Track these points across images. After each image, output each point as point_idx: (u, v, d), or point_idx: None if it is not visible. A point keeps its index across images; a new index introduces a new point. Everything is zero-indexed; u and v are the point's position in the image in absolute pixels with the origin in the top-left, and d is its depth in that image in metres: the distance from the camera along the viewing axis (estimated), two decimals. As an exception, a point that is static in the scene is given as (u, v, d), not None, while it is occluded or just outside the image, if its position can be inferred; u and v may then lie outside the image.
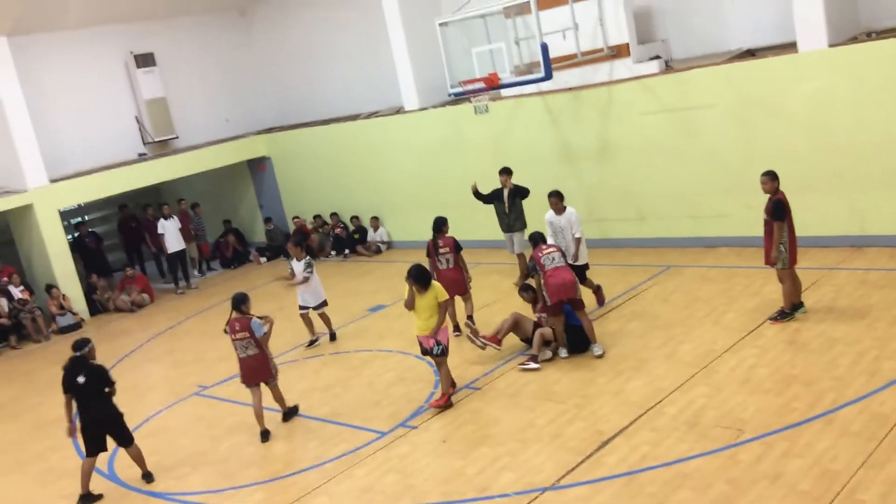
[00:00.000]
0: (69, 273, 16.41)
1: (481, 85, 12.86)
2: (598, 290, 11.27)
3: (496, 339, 10.13)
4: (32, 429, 10.95)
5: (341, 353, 11.66)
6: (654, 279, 12.06)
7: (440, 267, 11.12)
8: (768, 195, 9.43)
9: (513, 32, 13.45)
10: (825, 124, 11.45)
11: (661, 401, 8.31)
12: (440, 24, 13.31)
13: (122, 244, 18.96)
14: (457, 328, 11.32)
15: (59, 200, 16.62)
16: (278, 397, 9.55)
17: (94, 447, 8.55)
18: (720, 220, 12.77)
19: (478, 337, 10.18)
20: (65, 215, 18.20)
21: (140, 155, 18.32)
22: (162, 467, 9.13)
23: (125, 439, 8.72)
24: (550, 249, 9.67)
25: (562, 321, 9.70)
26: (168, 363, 13.19)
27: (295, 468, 8.50)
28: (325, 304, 12.04)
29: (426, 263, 11.30)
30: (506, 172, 12.64)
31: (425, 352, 9.17)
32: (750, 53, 12.59)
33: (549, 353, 9.81)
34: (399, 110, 16.74)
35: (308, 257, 11.93)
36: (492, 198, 12.76)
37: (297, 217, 18.93)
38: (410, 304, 9.01)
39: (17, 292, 15.77)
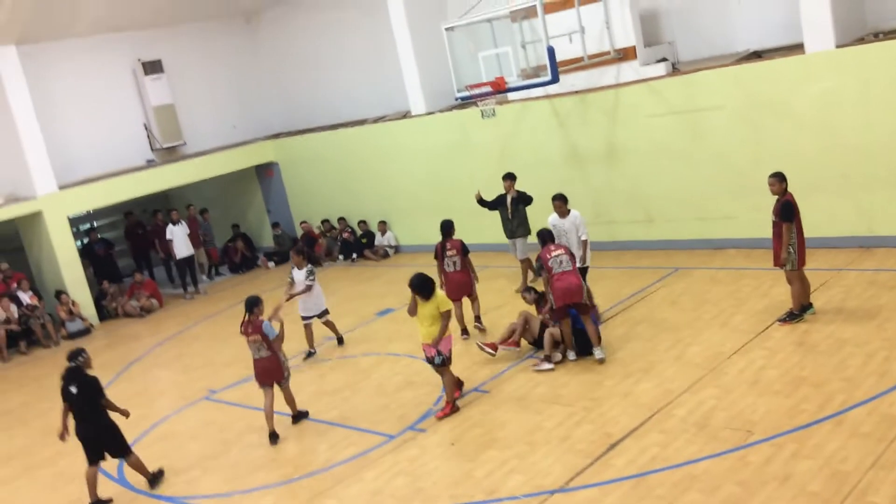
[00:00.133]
0: (78, 279, 16.48)
1: (488, 89, 12.87)
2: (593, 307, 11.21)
3: (514, 342, 10.23)
4: (41, 434, 10.99)
5: (349, 357, 11.67)
6: (663, 281, 12.04)
7: (448, 269, 11.20)
8: (776, 197, 9.41)
9: (519, 36, 13.47)
10: (833, 125, 11.43)
11: (669, 403, 8.29)
12: (446, 29, 13.33)
13: (130, 251, 19.05)
14: (465, 331, 11.34)
15: (68, 207, 16.70)
16: (289, 399, 9.59)
17: (94, 456, 8.55)
18: (728, 221, 12.75)
19: (486, 346, 10.30)
20: (74, 222, 18.28)
21: (148, 161, 18.40)
22: (172, 471, 9.16)
23: (121, 451, 8.65)
24: (558, 252, 9.63)
25: (569, 324, 9.69)
26: (177, 368, 13.23)
27: (304, 471, 8.51)
28: (326, 312, 11.96)
29: (434, 266, 11.40)
30: (509, 178, 12.66)
31: (428, 360, 9.16)
32: (757, 55, 12.58)
33: (558, 356, 9.81)
34: (406, 115, 16.78)
35: (310, 265, 11.83)
36: (496, 204, 12.79)
37: (304, 222, 18.98)
38: (413, 311, 9.02)
39: (26, 298, 15.86)
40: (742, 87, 12.08)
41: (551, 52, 12.24)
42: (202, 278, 18.55)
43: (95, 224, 19.95)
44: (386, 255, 17.45)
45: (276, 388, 9.50)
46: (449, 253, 11.17)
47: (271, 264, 18.85)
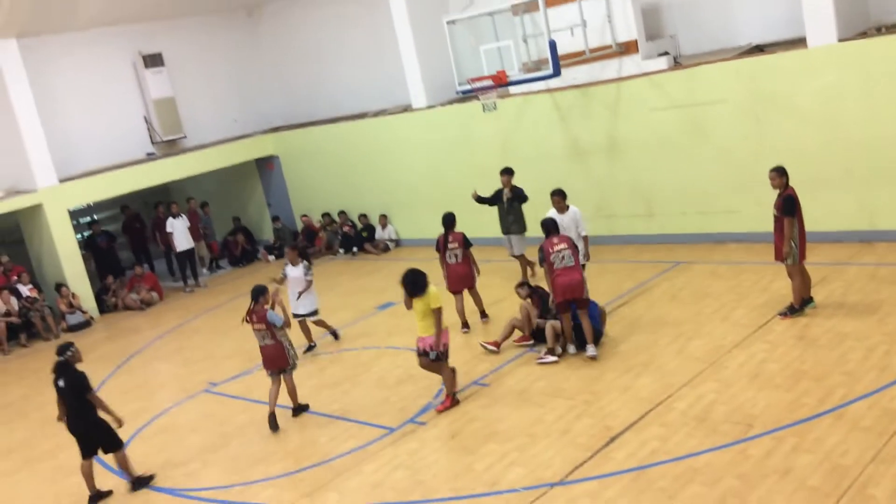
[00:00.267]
0: (79, 272, 16.48)
1: (489, 82, 12.84)
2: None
3: (526, 337, 10.30)
4: (41, 427, 10.99)
5: (350, 350, 11.68)
6: (663, 275, 12.04)
7: (449, 262, 11.24)
8: (778, 191, 9.40)
9: (521, 30, 13.44)
10: (835, 119, 11.40)
11: (670, 396, 8.29)
12: (448, 22, 13.30)
13: (129, 244, 19.05)
14: (465, 324, 11.35)
15: (69, 200, 16.69)
16: (291, 390, 9.62)
17: (86, 450, 8.52)
18: (729, 215, 12.73)
19: (489, 345, 10.34)
20: (74, 215, 18.27)
21: (149, 154, 18.38)
22: (172, 463, 9.17)
23: (112, 446, 8.58)
24: (561, 246, 9.52)
25: (569, 318, 9.68)
26: (178, 361, 13.24)
27: (304, 464, 8.51)
28: (316, 312, 11.75)
29: (435, 259, 11.41)
30: (507, 173, 12.66)
31: (419, 352, 9.12)
32: (759, 49, 12.55)
33: (558, 349, 9.81)
34: (407, 108, 16.75)
35: (305, 261, 11.71)
36: (494, 199, 12.79)
37: (305, 215, 18.97)
38: (409, 305, 9.02)
39: (25, 291, 15.86)
40: (744, 81, 12.05)
41: (553, 45, 12.21)
42: (202, 271, 18.55)
43: (96, 217, 19.93)
44: (386, 249, 17.44)
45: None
46: (451, 245, 11.20)
47: (272, 258, 18.84)
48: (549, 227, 9.84)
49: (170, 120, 18.51)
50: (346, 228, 17.98)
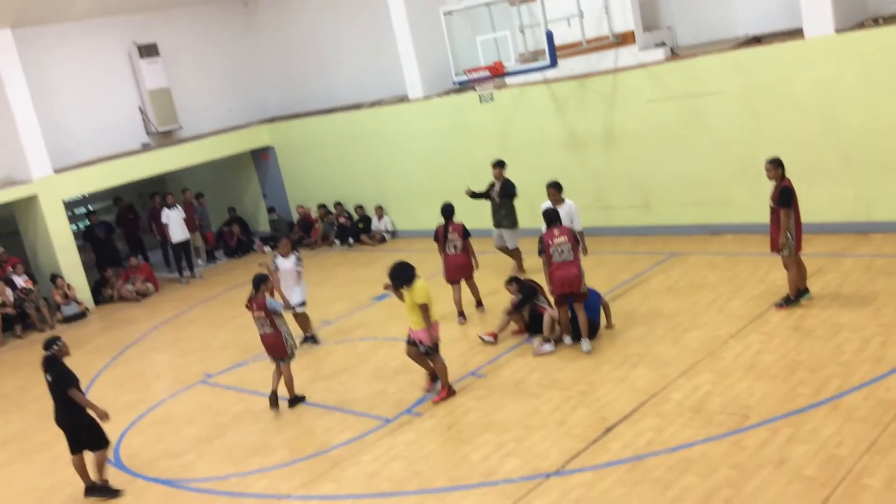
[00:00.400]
0: (74, 263, 16.44)
1: (486, 73, 12.81)
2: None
3: (523, 330, 10.32)
4: (38, 418, 10.97)
5: (347, 342, 11.67)
6: (660, 266, 12.05)
7: (448, 252, 11.28)
8: (774, 182, 9.40)
9: (517, 20, 13.39)
10: (832, 110, 11.40)
11: (665, 387, 8.30)
12: (444, 13, 13.25)
13: (123, 236, 19.01)
14: (461, 314, 11.37)
15: (64, 191, 16.63)
16: (288, 380, 9.65)
17: (73, 445, 8.44)
18: (726, 207, 12.74)
19: (487, 336, 10.37)
20: (69, 206, 18.22)
21: (144, 145, 18.32)
22: (168, 454, 9.18)
23: (94, 444, 8.43)
24: (561, 239, 9.45)
25: (566, 311, 9.68)
26: (174, 352, 13.23)
27: (301, 455, 8.52)
28: (304, 304, 11.57)
29: (433, 250, 11.41)
30: (499, 166, 12.67)
31: (409, 341, 9.12)
32: (756, 40, 12.53)
33: (554, 337, 9.84)
34: (403, 99, 16.71)
35: (296, 252, 11.63)
36: (488, 194, 12.79)
37: (301, 206, 18.95)
38: (400, 297, 9.03)
39: (20, 281, 15.83)
40: (741, 73, 12.04)
41: (550, 36, 12.18)
42: (198, 262, 18.52)
43: (90, 208, 19.89)
44: (383, 240, 17.43)
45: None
46: (451, 236, 11.25)
47: (267, 248, 18.79)
48: (551, 217, 9.76)
49: (165, 110, 18.44)
50: (342, 219, 17.96)
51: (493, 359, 9.90)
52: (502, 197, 12.57)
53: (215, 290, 16.27)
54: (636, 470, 6.95)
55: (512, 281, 10.53)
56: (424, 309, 8.79)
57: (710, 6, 13.34)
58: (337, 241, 17.89)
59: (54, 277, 15.99)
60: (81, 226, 19.73)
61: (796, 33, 11.77)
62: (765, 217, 9.63)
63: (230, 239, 19.30)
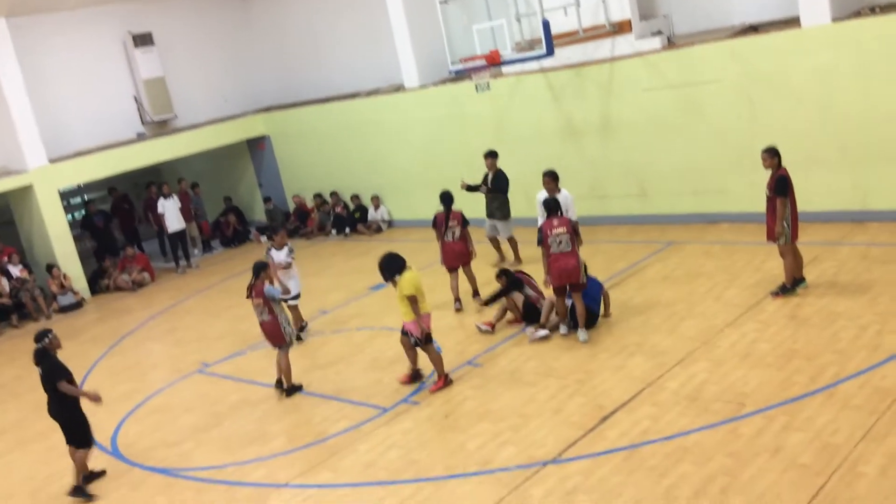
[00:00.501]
0: (70, 253, 16.41)
1: (482, 62, 12.78)
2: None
3: (518, 320, 10.33)
4: (34, 408, 10.94)
5: (343, 331, 11.68)
6: (656, 255, 12.06)
7: (447, 239, 11.33)
8: (770, 171, 9.40)
9: (514, 9, 13.32)
10: (829, 99, 11.40)
11: (662, 375, 8.32)
12: (441, 2, 13.20)
13: (118, 226, 18.98)
14: (457, 300, 11.43)
15: (59, 181, 16.58)
16: (286, 368, 9.68)
17: (67, 436, 8.42)
18: (722, 195, 12.74)
19: (484, 325, 10.39)
20: (64, 196, 18.17)
21: (139, 135, 18.26)
22: (165, 444, 9.18)
23: (75, 440, 8.36)
24: (560, 230, 9.38)
25: (563, 300, 9.67)
26: (170, 341, 13.23)
27: (298, 444, 8.53)
28: (298, 296, 11.50)
29: (429, 239, 11.41)
30: (491, 156, 12.67)
31: (404, 331, 9.15)
32: (753, 29, 12.51)
33: (547, 330, 9.87)
34: (399, 88, 16.66)
35: (289, 243, 11.48)
36: (481, 185, 12.78)
37: (297, 196, 18.91)
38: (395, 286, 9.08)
39: (15, 271, 15.80)
40: (738, 61, 12.02)
41: (546, 25, 12.15)
42: (194, 252, 18.49)
43: (86, 197, 19.84)
44: (379, 230, 17.41)
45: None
46: (450, 223, 11.31)
47: (263, 238, 18.78)
48: (551, 206, 9.69)
49: (160, 100, 18.38)
50: (338, 209, 17.93)
51: (489, 348, 9.92)
52: (494, 189, 12.56)
53: (211, 280, 16.26)
54: (632, 458, 6.97)
55: (501, 273, 10.57)
56: (412, 301, 8.80)
57: (707, -5, 13.32)
58: (333, 231, 17.87)
59: (50, 267, 15.96)
60: (77, 215, 19.70)
61: (793, 22, 11.75)
62: (761, 206, 9.63)
63: (226, 228, 19.27)
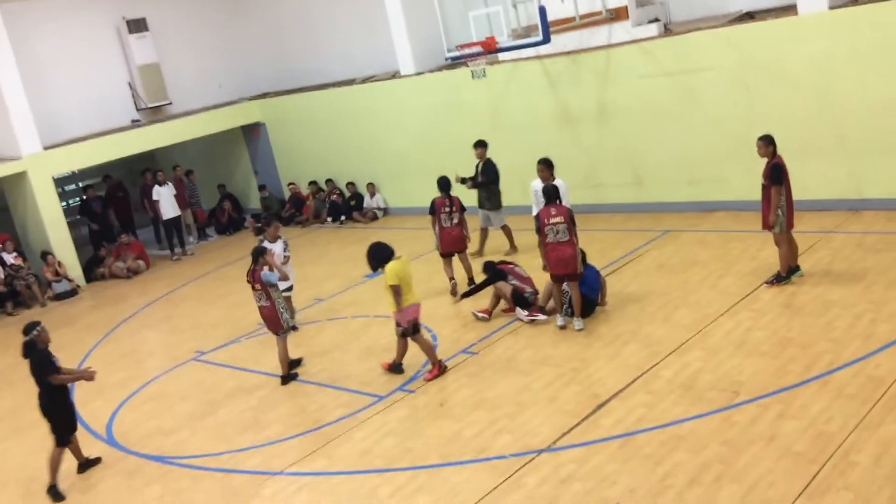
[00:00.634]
0: (64, 240, 16.36)
1: (478, 49, 12.71)
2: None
3: (512, 309, 10.31)
4: (29, 396, 10.80)
5: (339, 319, 11.68)
6: (652, 244, 12.05)
7: (444, 225, 11.38)
8: (765, 159, 9.39)
9: (510, -5, 13.28)
10: (825, 87, 11.38)
11: (657, 364, 8.34)
12: (436, -12, 13.14)
13: (113, 213, 18.93)
14: (452, 279, 11.55)
15: (54, 167, 16.52)
16: (282, 355, 9.71)
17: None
18: (718, 184, 12.73)
19: (480, 313, 10.40)
20: (59, 183, 18.10)
21: (133, 121, 18.19)
22: (161, 431, 9.19)
23: (56, 438, 8.28)
24: (557, 219, 9.32)
25: (560, 289, 9.65)
26: (165, 329, 13.21)
27: (293, 432, 8.54)
28: (291, 288, 11.31)
29: (424, 227, 11.40)
30: (480, 145, 12.65)
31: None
32: (749, 16, 12.47)
33: (544, 316, 9.88)
34: (395, 75, 16.59)
35: (282, 236, 11.34)
36: (475, 177, 12.78)
37: (292, 183, 18.86)
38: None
39: (9, 258, 15.75)
40: (734, 49, 11.99)
41: (543, 11, 12.09)
42: (189, 239, 18.45)
43: (80, 184, 19.75)
44: (375, 218, 17.38)
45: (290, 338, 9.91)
46: (448, 209, 11.37)
47: (255, 233, 18.73)
48: (550, 193, 9.59)
49: (154, 86, 18.30)
50: (333, 197, 17.89)
51: (485, 336, 9.92)
52: (482, 182, 12.51)
53: (207, 268, 16.23)
54: (627, 446, 7.00)
55: (486, 268, 10.63)
56: (395, 291, 8.80)
57: (704, -18, 13.26)
58: (329, 219, 17.84)
59: (45, 254, 15.92)
60: (72, 202, 19.62)
61: (790, 9, 11.71)
62: (757, 195, 9.62)
63: (221, 216, 19.22)
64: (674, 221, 12.81)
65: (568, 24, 13.05)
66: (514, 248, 12.72)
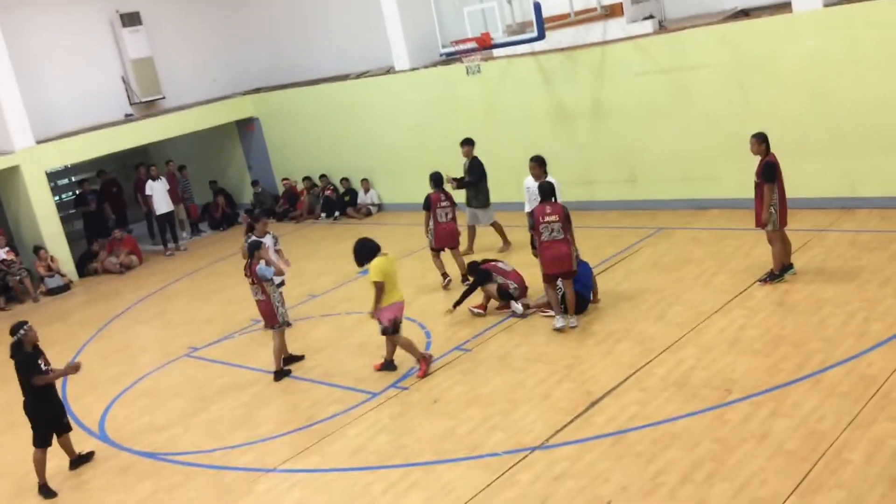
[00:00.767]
0: (57, 234, 16.31)
1: (473, 45, 12.70)
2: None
3: (506, 306, 10.34)
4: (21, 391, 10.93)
5: (332, 315, 11.66)
6: (646, 241, 12.06)
7: (440, 220, 11.42)
8: (758, 157, 9.40)
9: (505, -9, 13.25)
10: (820, 85, 11.39)
11: (650, 361, 8.35)
12: (431, -17, 13.11)
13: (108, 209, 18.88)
14: (445, 275, 11.61)
15: (46, 161, 16.44)
16: (277, 350, 9.70)
17: (55, 428, 8.38)
18: (713, 181, 12.74)
19: (476, 308, 10.43)
20: (52, 177, 18.03)
21: (127, 115, 18.12)
22: (153, 427, 9.17)
23: (34, 438, 8.25)
24: (552, 217, 9.28)
25: (555, 288, 9.62)
26: (158, 325, 13.18)
27: (286, 429, 8.53)
28: (282, 284, 11.07)
29: (415, 225, 11.41)
30: (467, 143, 12.64)
31: None
32: (744, 13, 12.48)
33: (520, 307, 10.03)
34: (390, 70, 16.56)
35: (271, 231, 11.29)
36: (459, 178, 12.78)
37: (286, 178, 18.82)
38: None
39: (2, 253, 15.68)
40: (729, 46, 11.99)
41: (537, 7, 12.08)
42: (182, 235, 18.40)
43: (74, 178, 19.70)
44: (369, 214, 17.36)
45: (287, 332, 9.95)
46: (444, 203, 11.44)
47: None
48: (546, 191, 9.52)
49: (148, 80, 18.23)
50: (327, 192, 17.86)
51: (478, 333, 9.92)
52: (467, 183, 12.49)
53: (200, 263, 16.19)
54: (620, 444, 7.01)
55: (468, 270, 10.67)
56: (378, 288, 8.80)
57: (699, -22, 13.25)
58: (323, 215, 17.80)
59: (37, 249, 15.85)
60: (65, 197, 19.55)
61: (784, 7, 11.71)
62: (751, 192, 9.62)
63: (215, 211, 19.17)
64: (668, 219, 12.82)
65: (563, 21, 13.04)
66: (507, 243, 12.72)
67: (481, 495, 6.70)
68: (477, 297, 10.77)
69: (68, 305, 15.02)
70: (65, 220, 17.06)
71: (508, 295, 10.20)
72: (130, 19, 17.90)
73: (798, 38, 11.39)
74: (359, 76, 17.24)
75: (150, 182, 17.07)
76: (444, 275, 11.60)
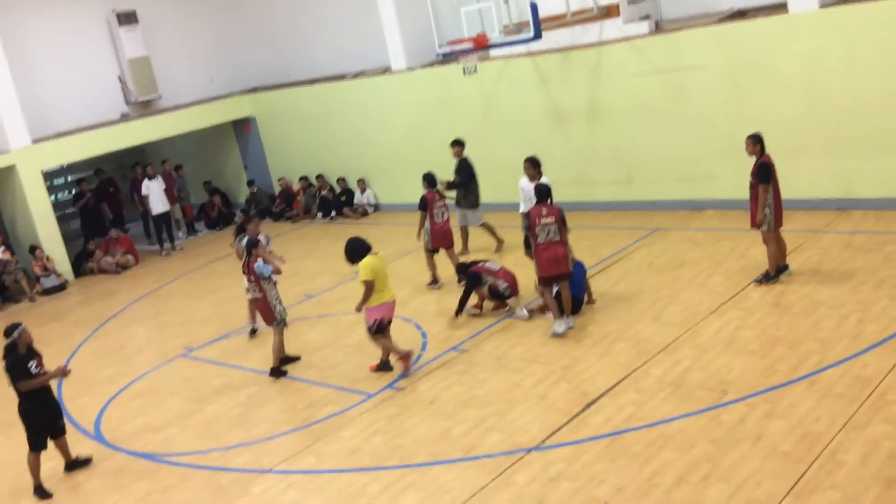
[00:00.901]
0: (53, 234, 16.28)
1: (470, 45, 12.70)
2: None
3: (503, 304, 10.39)
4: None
5: (329, 316, 11.66)
6: (641, 242, 12.08)
7: (437, 220, 11.46)
8: (754, 158, 9.42)
9: (502, -9, 13.25)
10: (816, 86, 11.41)
11: (646, 362, 8.36)
12: (428, -17, 13.10)
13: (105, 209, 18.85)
14: (436, 279, 11.66)
15: (42, 161, 16.41)
16: (276, 346, 9.74)
17: (51, 430, 8.37)
18: (708, 182, 12.76)
19: (472, 307, 10.45)
20: (48, 177, 17.99)
21: (123, 115, 18.09)
22: (149, 428, 9.16)
23: (28, 442, 8.22)
24: (549, 219, 9.24)
25: (551, 291, 9.62)
26: (154, 325, 13.17)
27: (282, 429, 8.53)
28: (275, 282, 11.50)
29: (411, 225, 11.42)
30: (455, 144, 12.65)
31: None
32: (741, 14, 12.49)
33: (525, 312, 10.01)
34: (386, 70, 16.56)
35: (263, 231, 11.26)
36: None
37: (282, 178, 18.81)
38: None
39: (-2, 253, 15.68)
40: (726, 47, 12.01)
41: (534, 8, 12.08)
42: (178, 234, 18.38)
43: (71, 178, 19.67)
44: (365, 214, 17.35)
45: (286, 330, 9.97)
46: (440, 203, 11.48)
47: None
48: (542, 192, 9.48)
49: (144, 80, 18.21)
50: (324, 192, 17.85)
51: (475, 334, 9.93)
52: (457, 181, 12.50)
53: (196, 263, 16.18)
54: (616, 445, 7.02)
55: (459, 274, 10.69)
56: (366, 287, 8.83)
57: (696, -21, 13.27)
58: (319, 214, 17.79)
59: (33, 249, 15.83)
60: (61, 196, 19.52)
61: (780, 8, 11.73)
62: (747, 193, 9.63)
63: (211, 211, 19.15)
64: (663, 219, 12.83)
65: (559, 21, 13.04)
66: (500, 241, 12.71)
67: (477, 496, 6.70)
68: (473, 297, 10.80)
69: (64, 305, 15.00)
70: (61, 220, 17.04)
71: (499, 295, 10.21)
72: (127, 18, 17.88)
73: (794, 39, 11.41)
74: (355, 76, 17.24)
75: (146, 181, 17.05)
76: (436, 279, 11.63)
